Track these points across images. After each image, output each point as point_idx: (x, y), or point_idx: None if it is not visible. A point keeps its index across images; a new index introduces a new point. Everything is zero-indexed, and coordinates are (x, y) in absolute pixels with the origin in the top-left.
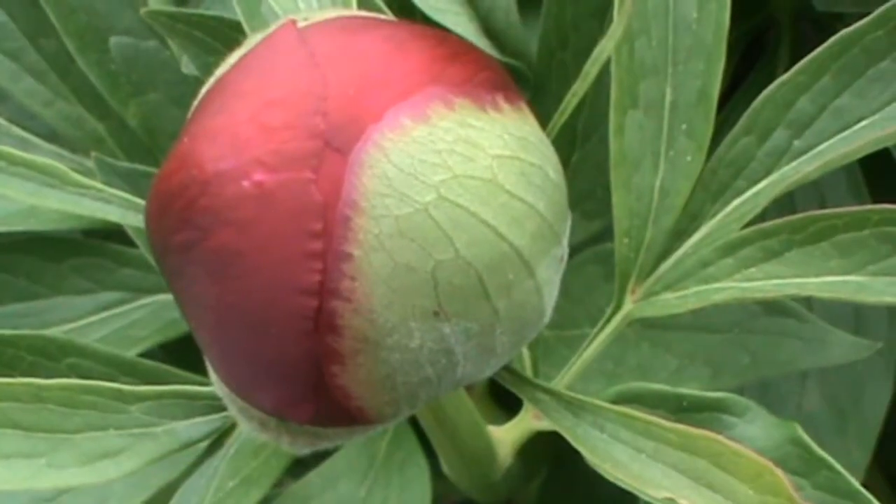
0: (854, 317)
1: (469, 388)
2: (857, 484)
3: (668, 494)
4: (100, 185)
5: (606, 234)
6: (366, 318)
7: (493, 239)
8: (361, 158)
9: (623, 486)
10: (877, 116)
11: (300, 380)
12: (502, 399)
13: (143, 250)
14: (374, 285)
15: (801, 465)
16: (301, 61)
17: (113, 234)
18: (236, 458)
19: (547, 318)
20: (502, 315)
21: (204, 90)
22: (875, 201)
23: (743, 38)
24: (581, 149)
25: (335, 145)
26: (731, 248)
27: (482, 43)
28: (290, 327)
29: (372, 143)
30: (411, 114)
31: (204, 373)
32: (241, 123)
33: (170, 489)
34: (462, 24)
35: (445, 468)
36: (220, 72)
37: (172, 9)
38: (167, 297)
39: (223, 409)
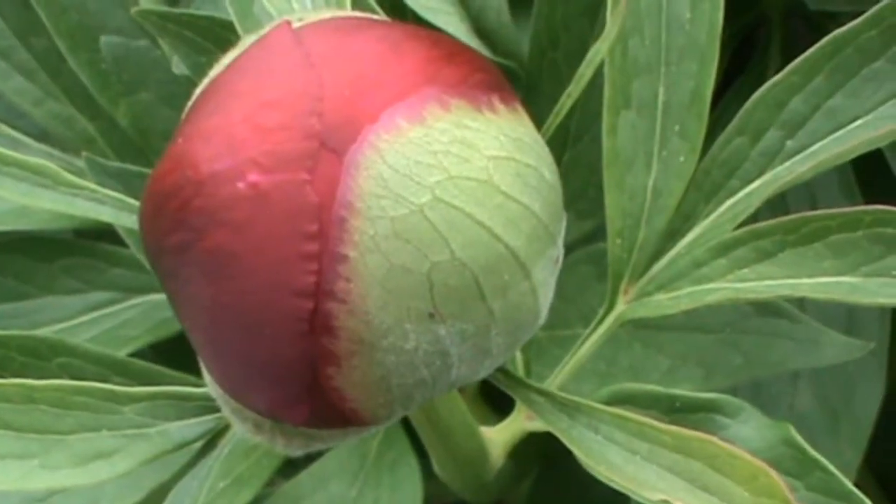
0: (846, 317)
1: (461, 389)
2: (850, 485)
3: (662, 496)
4: (92, 186)
5: (599, 233)
6: (361, 319)
7: (488, 240)
8: (357, 159)
9: (617, 488)
10: (870, 117)
11: (295, 381)
12: (494, 400)
13: (135, 250)
14: (369, 287)
15: (795, 466)
16: (296, 62)
17: (104, 234)
18: (228, 459)
19: (542, 320)
20: (498, 316)
21: (198, 91)
22: (867, 202)
23: (734, 37)
24: (573, 148)
25: (331, 146)
26: (724, 249)
27: (474, 43)
28: (285, 329)
29: (367, 144)
30: (407, 115)
31: (195, 373)
32: (236, 124)
33: (163, 490)
34: (453, 24)
35: (437, 468)
36: (214, 72)
37: (163, 8)
38: (158, 296)
39: (216, 409)
